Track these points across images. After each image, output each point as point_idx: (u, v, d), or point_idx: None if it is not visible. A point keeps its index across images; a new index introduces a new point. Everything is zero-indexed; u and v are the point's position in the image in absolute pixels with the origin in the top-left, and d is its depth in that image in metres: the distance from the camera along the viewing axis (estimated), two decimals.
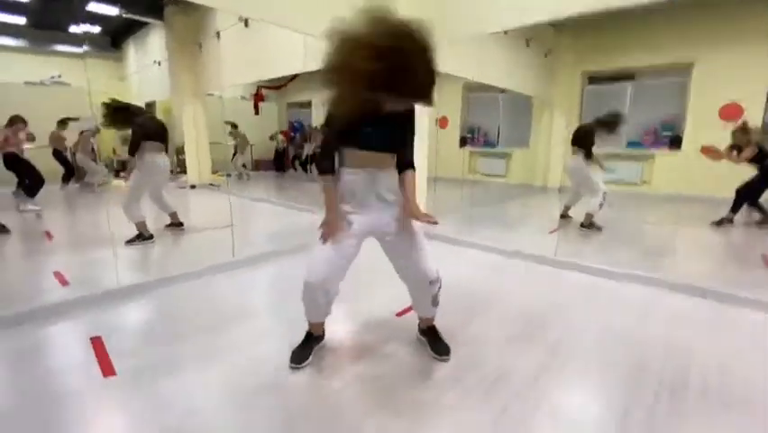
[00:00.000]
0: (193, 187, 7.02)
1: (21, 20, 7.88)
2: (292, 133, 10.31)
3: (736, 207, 4.22)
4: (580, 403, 1.43)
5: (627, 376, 1.52)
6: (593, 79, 7.25)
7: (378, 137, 1.43)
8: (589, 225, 3.94)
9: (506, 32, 5.79)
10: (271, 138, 9.87)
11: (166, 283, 2.47)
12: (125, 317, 2.13)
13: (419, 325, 1.78)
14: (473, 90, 8.53)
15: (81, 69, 8.93)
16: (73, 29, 8.77)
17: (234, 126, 8.23)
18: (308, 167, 9.11)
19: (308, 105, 10.52)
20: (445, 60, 4.21)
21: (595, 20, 6.33)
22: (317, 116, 9.96)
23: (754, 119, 5.34)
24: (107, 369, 1.55)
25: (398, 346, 1.74)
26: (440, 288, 1.61)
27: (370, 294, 2.33)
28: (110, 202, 5.28)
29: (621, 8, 2.93)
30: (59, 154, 5.99)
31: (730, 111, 5.89)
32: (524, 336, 1.86)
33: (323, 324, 1.69)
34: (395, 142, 1.49)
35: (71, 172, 6.18)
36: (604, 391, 1.46)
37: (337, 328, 1.86)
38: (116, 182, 7.37)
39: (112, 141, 7.81)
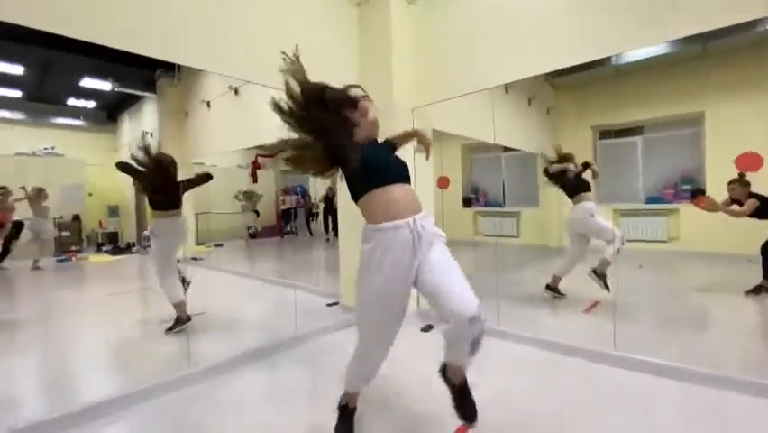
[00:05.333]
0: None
1: (17, 93, 8.01)
2: (294, 195, 10.02)
3: None
4: None
5: None
6: (604, 133, 7.00)
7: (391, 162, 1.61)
8: (602, 274, 3.37)
9: (507, 91, 5.59)
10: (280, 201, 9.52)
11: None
12: None
13: (446, 372, 1.47)
14: (474, 151, 8.32)
15: (75, 141, 8.85)
16: (71, 101, 8.84)
17: (248, 195, 7.99)
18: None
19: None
20: (445, 120, 3.84)
21: (592, 76, 6.25)
22: (312, 183, 9.72)
23: None
24: None
25: None
26: (482, 332, 1.30)
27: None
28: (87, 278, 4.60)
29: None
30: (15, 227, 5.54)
31: (747, 161, 5.48)
32: None
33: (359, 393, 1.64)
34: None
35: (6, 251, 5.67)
36: None
37: None
38: (95, 257, 6.88)
39: (100, 212, 7.43)
